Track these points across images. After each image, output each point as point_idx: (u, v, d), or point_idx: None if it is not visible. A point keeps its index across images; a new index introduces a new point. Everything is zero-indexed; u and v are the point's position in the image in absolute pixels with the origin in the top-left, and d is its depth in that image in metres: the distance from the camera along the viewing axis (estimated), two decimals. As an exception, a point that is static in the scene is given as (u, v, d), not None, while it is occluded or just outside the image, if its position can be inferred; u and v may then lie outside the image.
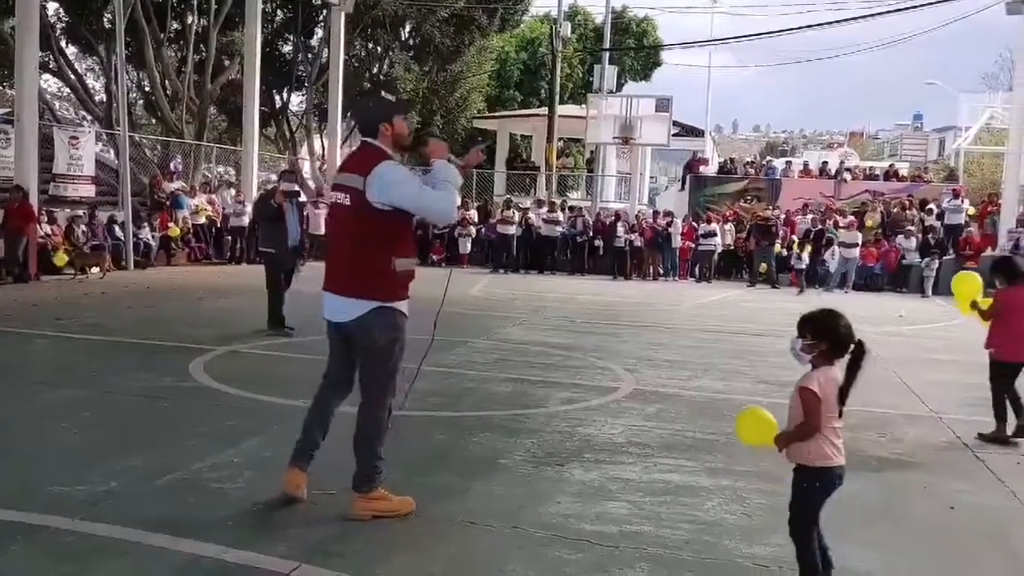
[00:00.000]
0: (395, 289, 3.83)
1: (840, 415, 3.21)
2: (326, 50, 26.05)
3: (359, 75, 29.35)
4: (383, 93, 4.16)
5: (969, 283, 6.09)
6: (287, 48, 29.45)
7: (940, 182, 25.48)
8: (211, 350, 7.96)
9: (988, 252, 18.78)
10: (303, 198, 12.93)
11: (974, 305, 5.98)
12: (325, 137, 27.27)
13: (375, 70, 30.60)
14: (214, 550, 3.44)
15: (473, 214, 22.38)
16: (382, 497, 3.90)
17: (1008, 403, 5.86)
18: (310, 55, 29.05)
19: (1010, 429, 5.84)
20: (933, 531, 4.11)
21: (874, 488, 4.71)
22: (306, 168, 28.81)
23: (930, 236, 20.00)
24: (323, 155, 28.04)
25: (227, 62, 26.03)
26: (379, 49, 30.56)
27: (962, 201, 21.65)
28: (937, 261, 18.75)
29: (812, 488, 3.24)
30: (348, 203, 3.80)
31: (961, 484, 4.85)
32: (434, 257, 20.65)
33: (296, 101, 30.75)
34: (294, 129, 29.70)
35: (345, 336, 3.96)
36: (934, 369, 8.87)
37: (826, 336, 3.19)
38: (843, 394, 3.18)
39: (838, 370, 3.19)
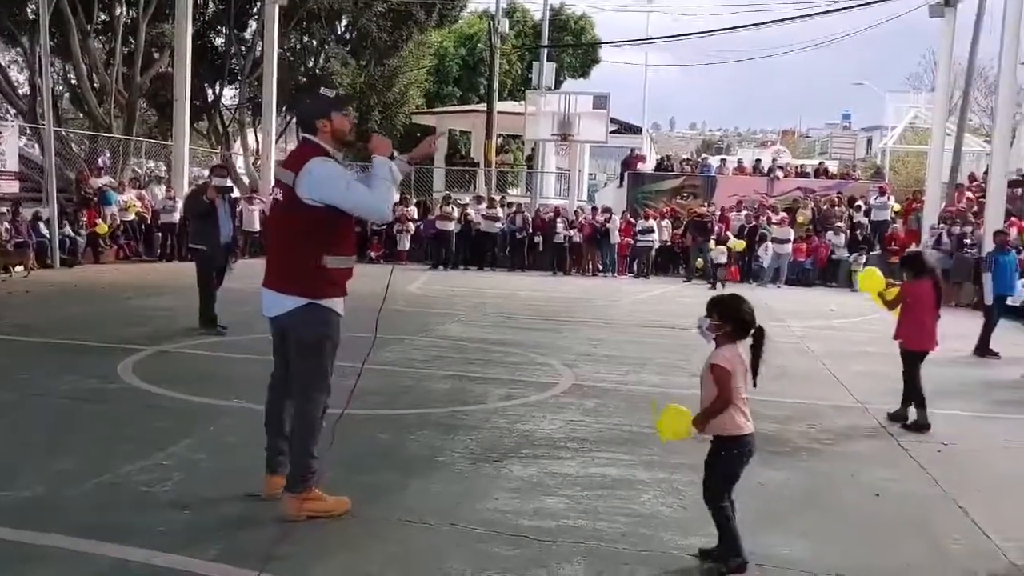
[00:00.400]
0: (326, 286, 3.79)
1: (754, 385, 3.54)
2: (260, 43, 25.57)
3: (294, 69, 28.87)
4: (322, 89, 4.08)
5: (872, 278, 6.49)
6: (219, 40, 28.77)
7: (867, 180, 26.23)
8: (140, 350, 7.75)
9: (912, 247, 19.41)
10: (236, 194, 12.65)
11: (880, 296, 6.38)
12: (259, 132, 26.78)
13: (311, 64, 30.13)
14: (142, 554, 3.35)
15: (412, 210, 22.26)
16: (316, 497, 3.85)
17: (908, 390, 6.19)
18: (243, 48, 28.45)
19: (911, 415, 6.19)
20: (859, 518, 4.23)
21: (803, 477, 4.84)
22: (240, 163, 28.30)
23: (858, 232, 20.57)
24: (257, 150, 27.54)
25: (157, 54, 25.31)
26: (315, 43, 30.10)
27: (888, 198, 22.36)
28: (865, 256, 19.31)
29: (731, 455, 3.48)
30: (282, 199, 3.79)
31: (886, 472, 5.00)
32: (372, 254, 20.46)
33: (229, 95, 30.10)
34: (227, 123, 29.05)
35: (280, 332, 3.93)
36: (862, 361, 9.12)
37: (731, 318, 3.50)
38: (754, 371, 3.50)
39: (742, 348, 3.48)
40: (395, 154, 3.88)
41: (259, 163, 26.05)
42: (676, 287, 18.41)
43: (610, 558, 3.56)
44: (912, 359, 6.25)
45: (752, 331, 3.50)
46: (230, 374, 7.07)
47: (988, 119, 31.06)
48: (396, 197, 3.79)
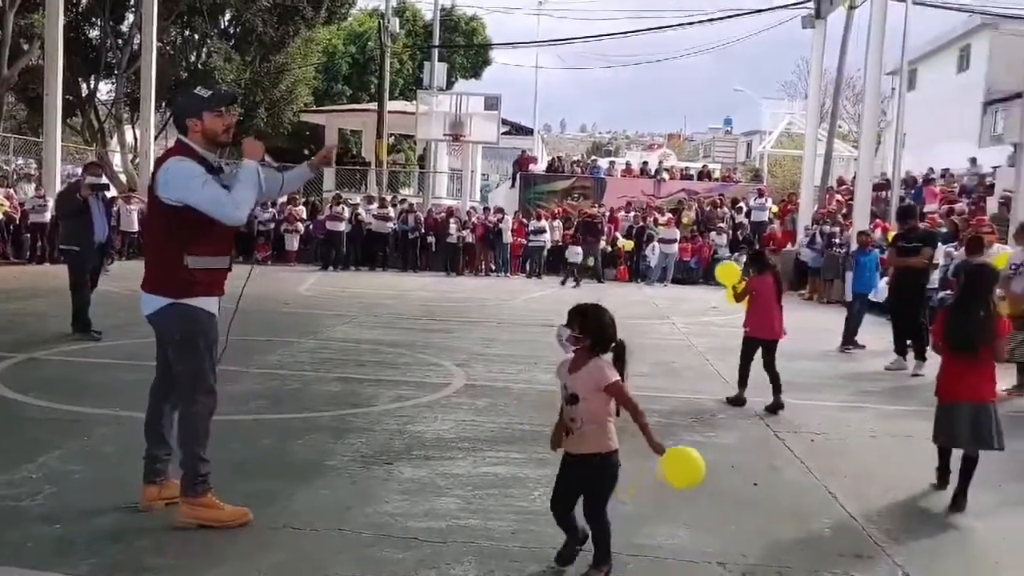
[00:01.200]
0: (190, 286, 3.72)
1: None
2: (138, 36, 24.50)
3: (174, 63, 27.81)
4: (198, 88, 3.96)
5: (730, 271, 7.38)
6: (95, 33, 27.43)
7: (747, 182, 27.38)
8: (9, 357, 7.30)
9: (789, 247, 20.38)
10: (112, 192, 12.09)
11: (733, 288, 7.15)
12: (137, 128, 25.66)
13: (192, 59, 29.09)
14: (17, 574, 3.16)
15: (301, 210, 21.80)
16: (212, 505, 3.73)
17: (749, 374, 6.87)
18: (120, 41, 27.19)
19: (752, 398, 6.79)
20: (739, 506, 4.41)
21: (687, 470, 4.99)
22: (117, 161, 27.02)
23: (739, 232, 21.43)
24: (135, 147, 26.39)
25: (26, 46, 23.91)
26: (196, 37, 29.07)
27: (766, 200, 23.42)
28: (745, 256, 20.08)
29: (615, 469, 3.40)
30: (149, 199, 3.80)
31: (764, 462, 5.23)
32: (259, 256, 19.93)
33: (105, 90, 28.74)
34: (103, 119, 27.70)
35: (155, 333, 3.88)
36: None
37: (591, 333, 3.37)
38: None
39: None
40: (266, 159, 3.87)
41: (137, 161, 24.96)
42: (568, 286, 18.69)
43: (500, 556, 3.59)
44: (757, 346, 6.84)
45: (613, 345, 3.39)
46: (106, 381, 6.75)
47: (856, 126, 32.88)
48: (251, 203, 3.71)
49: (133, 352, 7.90)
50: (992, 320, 4.62)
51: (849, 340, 10.16)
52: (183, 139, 3.81)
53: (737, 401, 6.80)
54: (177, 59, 28.34)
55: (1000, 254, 8.63)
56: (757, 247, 20.68)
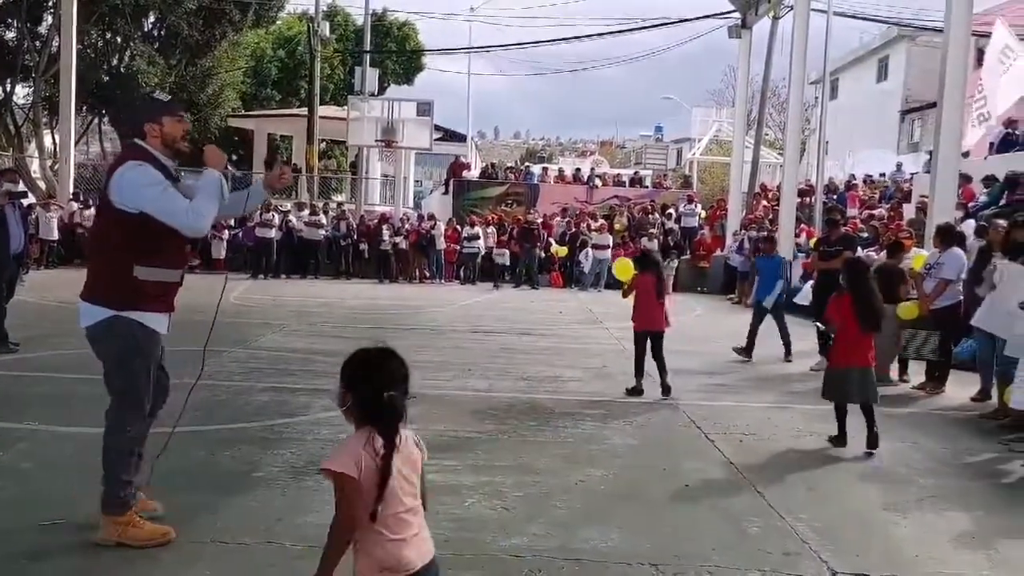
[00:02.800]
0: (135, 298, 3.55)
1: (374, 517, 2.24)
2: (57, 38, 23.69)
3: (96, 67, 26.98)
4: (156, 92, 3.87)
5: (624, 267, 8.11)
6: (10, 34, 26.43)
7: (678, 189, 27.86)
8: (-86, 373, 6.96)
9: (718, 252, 20.81)
10: (31, 200, 11.68)
11: (623, 284, 7.85)
12: (57, 133, 24.80)
13: (114, 62, 28.26)
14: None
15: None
16: (132, 523, 3.60)
17: (644, 364, 7.43)
18: (38, 43, 26.26)
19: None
20: (670, 507, 4.47)
21: (620, 472, 5.05)
22: (35, 167, 26.05)
23: (670, 238, 21.78)
24: (55, 152, 25.50)
25: (-65, 47, 22.92)
26: (119, 39, 28.25)
27: (696, 206, 23.88)
28: (676, 261, 20.47)
29: None
30: (99, 204, 3.68)
31: (695, 464, 5.32)
32: (192, 263, 19.44)
33: (22, 93, 27.70)
34: (20, 124, 26.70)
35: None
36: (672, 359, 9.58)
37: (352, 387, 2.38)
38: (382, 478, 2.23)
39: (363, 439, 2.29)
40: (228, 168, 3.73)
41: (56, 166, 24.11)
42: (501, 293, 18.73)
43: (434, 564, 3.55)
44: (646, 338, 7.46)
45: (383, 410, 2.29)
46: (24, 395, 6.49)
47: (781, 133, 33.81)
48: (213, 213, 3.60)
49: (51, 364, 7.63)
50: (879, 303, 5.85)
51: (750, 348, 9.76)
52: (139, 143, 3.63)
53: (635, 391, 7.34)
54: (98, 62, 27.51)
55: (916, 256, 8.96)
56: (689, 252, 21.17)
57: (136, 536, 3.58)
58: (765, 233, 18.04)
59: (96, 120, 29.92)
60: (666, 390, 7.32)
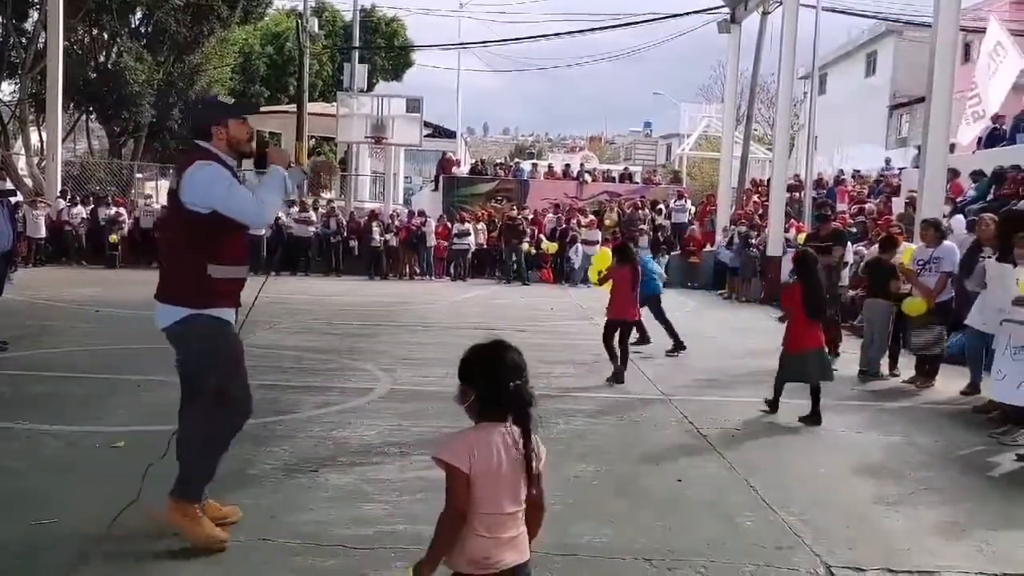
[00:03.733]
0: (211, 297, 3.61)
1: (526, 502, 2.28)
2: (43, 34, 23.52)
3: (83, 63, 26.80)
4: (219, 95, 3.87)
5: (603, 256, 8.67)
6: (-4, 31, 26.26)
7: (667, 184, 27.92)
8: (-98, 372, 6.91)
9: (708, 248, 20.86)
10: (18, 198, 11.61)
11: (599, 273, 8.28)
12: (44, 130, 24.64)
13: (101, 58, 28.09)
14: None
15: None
16: (195, 517, 3.58)
17: (618, 352, 7.80)
18: (24, 39, 26.07)
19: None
20: (664, 502, 4.48)
21: (614, 468, 5.06)
22: (22, 164, 25.88)
23: (659, 234, 21.82)
24: (42, 150, 25.33)
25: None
26: (106, 36, 28.08)
27: (685, 202, 23.95)
28: (666, 257, 20.52)
29: None
30: (168, 206, 3.70)
31: (687, 459, 5.33)
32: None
33: (9, 90, 27.51)
34: (6, 121, 26.52)
35: (173, 346, 3.73)
36: (664, 355, 9.65)
37: (473, 382, 2.38)
38: (527, 470, 2.27)
39: (504, 430, 2.30)
40: (292, 165, 3.81)
41: (43, 164, 23.96)
42: (492, 289, 18.73)
43: (429, 561, 3.55)
44: (617, 327, 7.83)
45: (511, 401, 2.29)
46: (13, 394, 6.44)
47: (770, 129, 33.90)
48: (279, 208, 3.68)
49: (42, 363, 7.59)
50: (823, 292, 6.60)
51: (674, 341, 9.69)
52: (204, 145, 3.69)
53: (618, 377, 7.66)
54: (85, 59, 27.33)
55: (905, 250, 9.00)
56: (679, 248, 21.21)
57: (193, 533, 3.56)
58: (754, 228, 18.13)
59: (83, 117, 29.75)
60: (620, 376, 7.68)
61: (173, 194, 3.65)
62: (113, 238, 20.29)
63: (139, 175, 28.09)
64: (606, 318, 7.98)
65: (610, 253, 8.41)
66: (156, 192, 26.72)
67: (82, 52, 27.39)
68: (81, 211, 20.95)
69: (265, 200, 3.65)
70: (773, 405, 6.59)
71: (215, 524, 3.65)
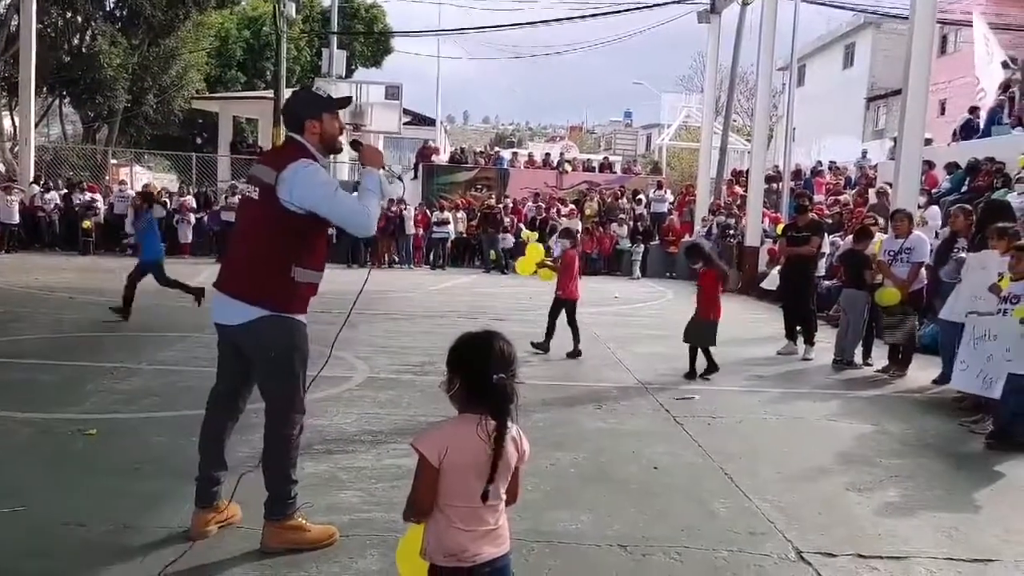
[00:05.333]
0: (291, 299, 3.48)
1: (485, 498, 2.21)
2: (16, 17, 23.12)
3: (56, 47, 26.38)
4: (316, 87, 3.73)
5: (535, 251, 9.44)
6: (-35, 13, 25.77)
7: (647, 174, 27.95)
8: None
9: (687, 237, 20.93)
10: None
11: (541, 264, 9.20)
12: (16, 115, 24.26)
13: (75, 42, 27.67)
14: None
15: (190, 200, 21.08)
16: (298, 527, 3.55)
17: (572, 333, 8.60)
18: (-5, 22, 25.63)
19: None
20: (640, 490, 4.51)
21: (590, 456, 5.08)
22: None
23: (639, 224, 21.88)
24: (14, 134, 24.94)
25: None
26: (79, 19, 27.65)
27: (665, 192, 23.99)
28: (643, 247, 20.57)
29: None
30: (256, 198, 3.46)
31: (663, 446, 5.36)
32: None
33: (-21, 74, 27.04)
34: (-23, 105, 26.12)
35: (233, 343, 3.57)
36: (643, 344, 9.71)
37: (460, 371, 2.32)
38: (491, 470, 2.20)
39: (480, 424, 2.23)
40: (387, 166, 3.66)
41: (16, 149, 23.60)
42: (472, 278, 18.71)
43: (404, 548, 3.55)
44: (562, 306, 8.68)
45: (491, 394, 2.21)
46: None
47: (749, 120, 34.02)
48: (378, 213, 3.54)
49: (13, 350, 7.49)
50: (725, 270, 8.17)
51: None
52: (298, 139, 3.53)
53: (541, 347, 8.57)
54: (59, 42, 26.90)
55: (877, 241, 9.08)
56: (658, 237, 21.28)
57: (307, 541, 3.52)
58: (732, 218, 18.19)
59: (56, 102, 29.31)
60: (576, 354, 8.47)
61: (269, 187, 3.40)
62: (86, 224, 19.99)
63: (113, 161, 27.72)
64: (557, 297, 8.78)
65: (539, 247, 9.60)
66: (130, 178, 26.41)
67: (55, 35, 26.96)
68: (55, 197, 20.67)
69: (370, 209, 3.45)
70: (689, 373, 7.67)
71: (219, 525, 3.62)
